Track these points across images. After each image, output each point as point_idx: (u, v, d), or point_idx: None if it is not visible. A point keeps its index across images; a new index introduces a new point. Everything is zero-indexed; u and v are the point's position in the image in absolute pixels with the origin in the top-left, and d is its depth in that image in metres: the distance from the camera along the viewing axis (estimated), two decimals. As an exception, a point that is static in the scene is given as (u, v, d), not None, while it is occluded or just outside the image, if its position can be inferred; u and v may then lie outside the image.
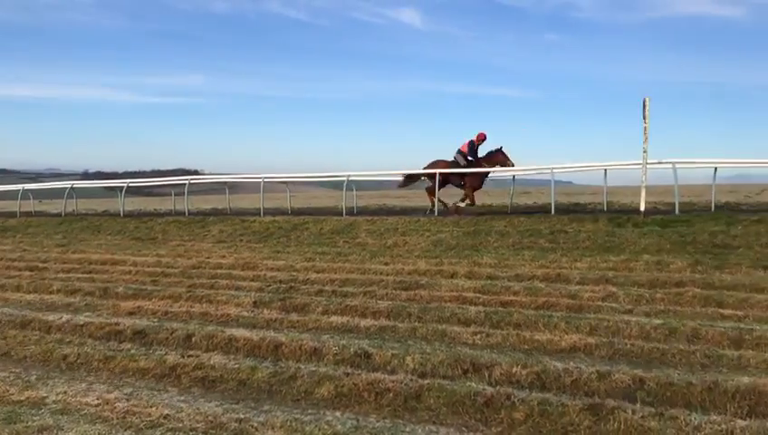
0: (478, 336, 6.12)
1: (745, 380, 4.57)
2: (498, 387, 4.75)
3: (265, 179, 18.07)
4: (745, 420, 3.98)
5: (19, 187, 22.95)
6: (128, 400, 4.92)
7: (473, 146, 15.23)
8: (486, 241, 11.48)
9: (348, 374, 5.16)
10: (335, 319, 6.97)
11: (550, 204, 14.38)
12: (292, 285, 8.73)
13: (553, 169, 14.64)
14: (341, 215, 15.65)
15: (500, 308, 7.08)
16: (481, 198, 20.83)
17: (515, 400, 4.44)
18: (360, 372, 5.23)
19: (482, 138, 15.29)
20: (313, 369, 5.37)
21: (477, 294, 7.72)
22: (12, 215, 20.85)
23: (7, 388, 5.33)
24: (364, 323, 6.78)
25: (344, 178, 16.61)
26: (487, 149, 15.31)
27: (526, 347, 5.80)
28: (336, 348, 5.81)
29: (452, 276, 8.77)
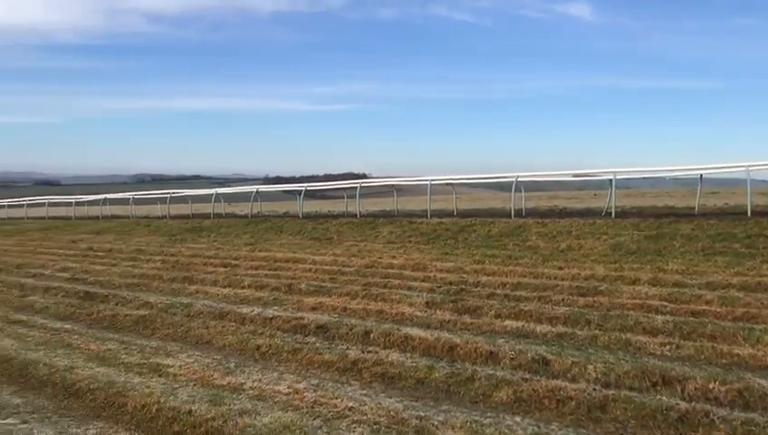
0: (667, 347, 5.71)
1: None
2: (694, 403, 4.40)
3: (432, 182, 18.31)
4: None
5: (212, 191, 25.41)
6: (315, 390, 5.23)
7: None
8: (671, 245, 10.66)
9: (526, 380, 5.08)
10: (509, 323, 6.87)
11: (745, 205, 13.02)
12: (463, 287, 8.74)
13: (749, 166, 13.23)
14: (510, 217, 15.40)
15: (690, 318, 6.54)
16: (662, 198, 19.43)
17: (715, 417, 4.09)
18: (538, 378, 5.12)
19: None
20: (490, 372, 5.35)
21: (663, 303, 7.20)
22: (206, 216, 23.12)
23: (211, 373, 5.92)
24: (540, 328, 6.61)
25: (512, 179, 16.33)
26: None
27: (724, 361, 5.30)
28: (512, 353, 5.73)
29: (634, 283, 8.26)
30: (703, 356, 5.45)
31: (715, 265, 8.92)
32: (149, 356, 6.64)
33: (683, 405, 4.35)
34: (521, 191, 17.05)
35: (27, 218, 31.40)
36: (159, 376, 5.91)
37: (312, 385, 5.40)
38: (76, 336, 7.82)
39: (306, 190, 21.86)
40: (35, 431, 4.78)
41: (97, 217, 28.47)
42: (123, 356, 6.70)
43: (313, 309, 8.13)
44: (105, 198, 30.08)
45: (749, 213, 12.54)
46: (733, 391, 4.56)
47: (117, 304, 9.47)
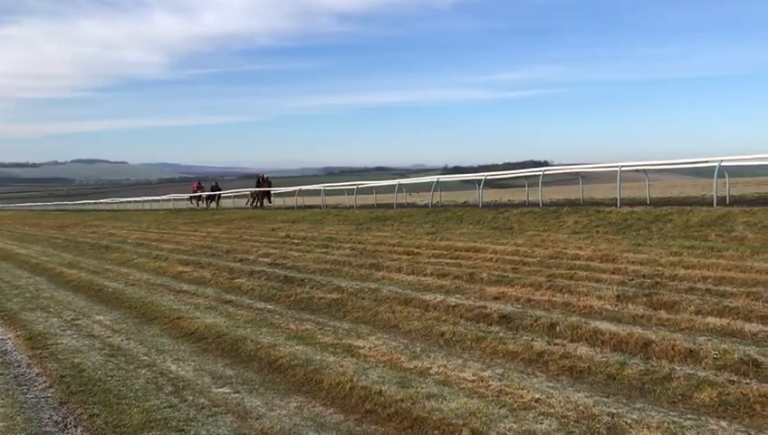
0: None
1: None
2: None
3: (622, 168, 17.27)
4: None
5: (394, 182, 26.30)
6: (500, 379, 5.26)
7: None
8: None
9: (732, 382, 4.67)
10: (711, 320, 6.32)
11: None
12: (658, 280, 8.19)
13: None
14: (711, 205, 14.06)
15: None
16: None
17: None
18: (747, 380, 4.69)
19: None
20: (690, 372, 5.00)
21: None
22: (389, 206, 23.98)
23: (398, 356, 6.19)
24: (749, 327, 6.00)
25: (715, 164, 14.87)
26: None
27: None
28: (716, 352, 5.29)
29: None
30: None
31: None
32: (342, 337, 7.10)
33: None
34: (724, 177, 15.48)
35: (233, 209, 34.99)
36: (351, 356, 6.31)
37: (497, 374, 5.43)
38: (277, 316, 8.58)
39: (486, 179, 21.78)
40: (245, 401, 5.35)
41: (292, 207, 30.86)
42: (319, 336, 7.24)
43: (496, 299, 8.13)
44: (299, 190, 32.45)
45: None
46: None
47: (312, 288, 10.22)
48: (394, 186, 25.79)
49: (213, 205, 40.27)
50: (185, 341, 7.82)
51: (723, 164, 14.81)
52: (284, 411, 5.04)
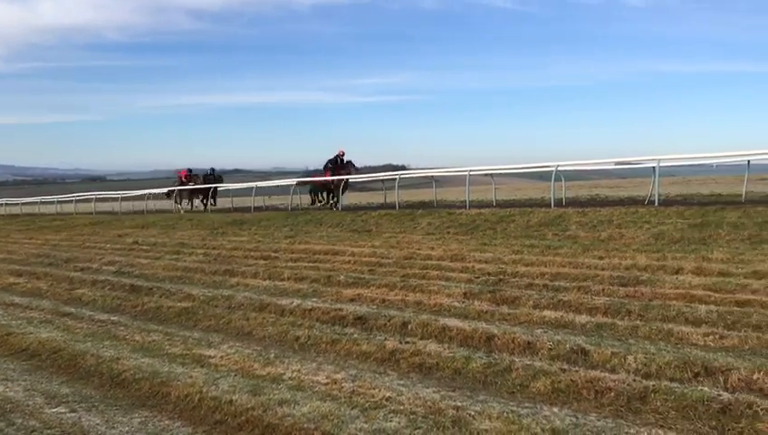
0: (710, 338, 5.60)
1: None
2: (737, 394, 4.33)
3: (471, 172, 18.21)
4: None
5: (252, 184, 25.78)
6: (353, 380, 5.31)
7: None
8: (717, 234, 10.39)
9: (564, 370, 5.05)
10: (548, 313, 6.83)
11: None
12: (501, 277, 8.70)
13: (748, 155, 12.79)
14: (549, 206, 15.23)
15: (735, 308, 6.39)
16: (708, 186, 18.94)
17: (758, 409, 4.02)
18: (577, 368, 5.10)
19: None
20: (528, 363, 5.34)
21: (708, 292, 7.05)
22: (247, 210, 23.48)
23: (251, 363, 6.05)
24: (579, 319, 6.55)
25: (552, 169, 16.12)
26: None
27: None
28: (550, 343, 5.71)
29: (677, 272, 8.09)
30: (747, 346, 5.33)
31: (762, 254, 8.67)
32: (192, 347, 6.81)
33: (725, 396, 4.28)
34: (561, 180, 16.83)
35: (76, 214, 32.38)
36: (202, 366, 6.07)
37: (351, 375, 5.47)
38: (122, 328, 8.07)
39: (345, 182, 21.97)
40: (83, 420, 4.97)
41: (141, 212, 29.21)
42: (167, 347, 6.89)
43: (352, 300, 8.21)
44: (149, 193, 30.81)
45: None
46: (780, 381, 4.46)
47: (161, 297, 9.73)
48: (252, 188, 25.30)
49: (196, 204, 28.68)
50: (15, 359, 7.12)
51: (559, 169, 16.08)
52: (127, 428, 4.74)
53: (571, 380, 4.81)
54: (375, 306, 7.80)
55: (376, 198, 22.45)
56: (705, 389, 4.47)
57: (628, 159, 16.87)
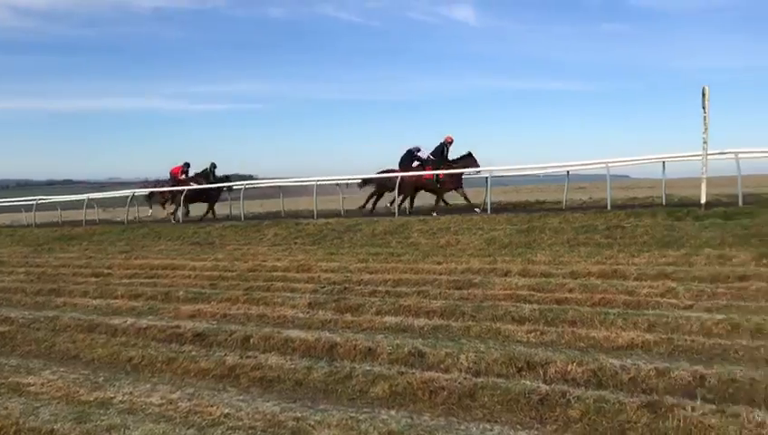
0: (533, 334, 6.07)
1: (814, 376, 4.40)
2: (553, 385, 4.72)
3: (318, 182, 18.31)
4: (815, 417, 3.83)
5: (84, 196, 23.87)
6: (190, 399, 5.10)
7: None
8: (541, 238, 11.32)
9: (402, 373, 5.21)
10: (389, 319, 7.03)
11: (605, 199, 14.08)
12: (347, 286, 8.83)
13: (608, 162, 14.33)
14: (394, 215, 15.73)
15: (555, 306, 6.99)
16: (534, 194, 20.58)
17: (571, 397, 4.40)
18: (414, 370, 5.28)
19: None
20: (368, 368, 5.45)
21: (532, 292, 7.64)
22: (78, 224, 21.75)
23: (77, 389, 5.60)
24: (418, 322, 6.81)
25: (398, 178, 16.68)
26: None
27: (582, 345, 5.71)
28: (390, 347, 5.87)
29: (506, 275, 8.70)
30: (563, 341, 5.84)
31: (578, 256, 9.58)
32: (8, 375, 6.16)
33: (544, 388, 4.65)
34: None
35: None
36: (19, 396, 5.51)
37: (187, 394, 5.25)
38: None
39: (187, 193, 21.09)
40: None
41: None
42: (-23, 378, 6.18)
43: (191, 317, 7.90)
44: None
45: (608, 206, 13.55)
46: (588, 371, 4.93)
47: (-28, 322, 8.70)
48: (83, 200, 23.45)
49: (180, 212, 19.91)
50: None
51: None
52: None
53: (408, 382, 4.98)
54: (216, 322, 7.56)
55: (220, 209, 21.81)
56: (527, 382, 4.83)
57: (465, 170, 17.82)
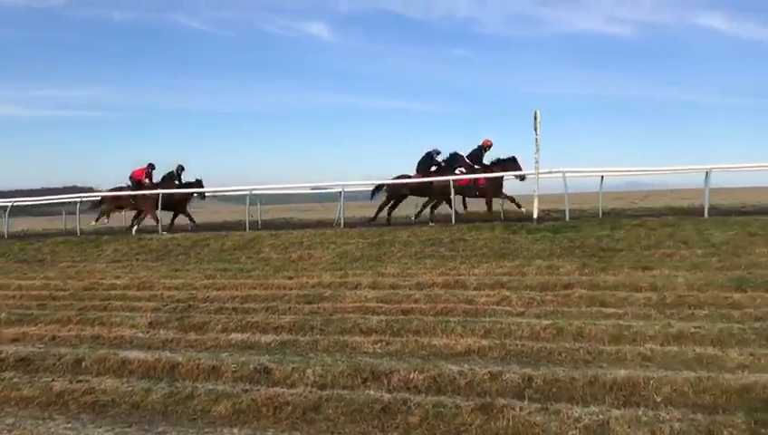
0: (378, 345, 6.22)
1: (622, 372, 4.91)
2: (395, 393, 4.86)
3: (163, 194, 17.45)
4: (620, 409, 4.28)
5: None
6: (9, 431, 4.64)
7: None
8: (390, 251, 11.64)
9: (246, 391, 5.11)
10: (235, 336, 6.86)
11: (450, 213, 14.77)
12: (191, 303, 8.50)
13: (452, 179, 15.09)
14: (244, 230, 15.42)
15: (401, 316, 7.22)
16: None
17: (411, 404, 4.56)
18: (259, 387, 5.19)
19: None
20: (211, 387, 5.28)
21: (380, 304, 7.83)
22: None
23: None
24: (265, 338, 6.72)
25: (247, 192, 16.38)
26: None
27: (424, 353, 5.95)
28: (235, 365, 5.73)
29: (356, 287, 8.84)
30: (407, 350, 6.05)
31: (424, 267, 9.97)
32: None
33: (386, 396, 4.77)
34: (257, 204, 17.18)
35: None
36: None
37: (7, 426, 4.77)
38: None
39: (14, 206, 19.25)
40: None
41: None
42: None
43: (14, 341, 7.20)
44: None
45: (453, 220, 14.26)
46: (429, 378, 5.14)
47: None
48: None
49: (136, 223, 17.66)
50: None
51: (254, 192, 16.43)
52: None
53: (252, 399, 4.88)
54: (43, 345, 6.95)
55: (54, 223, 20.12)
56: (371, 392, 4.94)
57: (320, 183, 17.91)
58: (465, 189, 15.27)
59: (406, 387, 5.05)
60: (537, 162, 13.16)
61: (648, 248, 10.29)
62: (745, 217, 12.51)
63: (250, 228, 15.59)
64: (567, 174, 14.17)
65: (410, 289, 8.57)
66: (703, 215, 12.82)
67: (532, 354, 5.72)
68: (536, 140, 13.01)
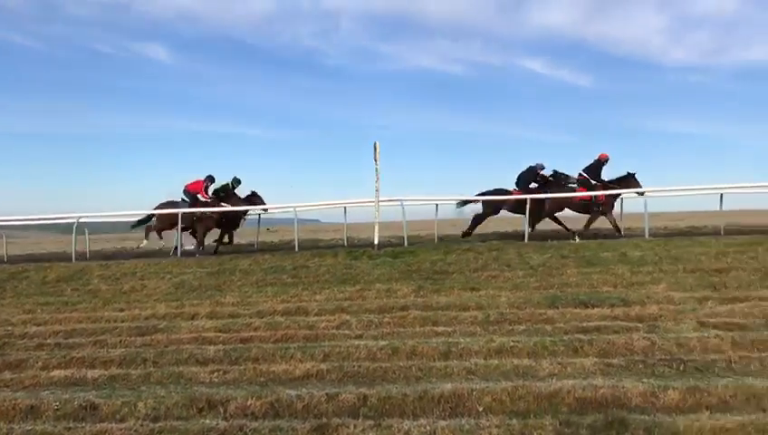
0: (216, 374, 6.12)
1: (449, 386, 5.27)
2: (232, 420, 4.83)
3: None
4: (446, 420, 4.61)
5: None
6: None
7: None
8: (231, 280, 11.43)
9: (69, 429, 4.82)
10: (57, 373, 6.40)
11: (293, 241, 14.85)
12: (7, 340, 7.79)
13: (296, 207, 15.21)
14: (71, 260, 14.34)
15: (239, 345, 7.15)
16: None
17: (248, 430, 4.57)
18: (84, 425, 4.92)
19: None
20: (29, 428, 4.91)
21: (218, 334, 7.69)
22: None
23: None
24: (92, 374, 6.34)
25: (74, 220, 15.27)
26: None
27: (262, 379, 5.95)
28: (57, 403, 5.36)
29: (193, 318, 8.59)
30: (245, 377, 6.02)
31: (265, 295, 9.92)
32: None
33: (223, 424, 4.73)
34: (84, 233, 16.04)
35: None
36: None
37: None
38: None
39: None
40: None
41: None
42: None
43: None
44: None
45: (296, 248, 14.35)
46: (266, 404, 5.16)
47: None
48: None
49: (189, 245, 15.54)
50: None
51: (81, 220, 15.35)
52: None
53: (73, 436, 4.61)
54: None
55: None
56: (207, 421, 4.86)
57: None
58: (587, 205, 14.58)
59: (243, 414, 5.03)
60: (377, 190, 13.69)
61: (476, 271, 11.05)
62: (560, 241, 13.87)
63: (77, 259, 14.53)
64: (405, 202, 14.85)
65: (250, 317, 8.49)
66: (524, 239, 14.03)
67: (368, 374, 5.94)
68: (376, 169, 13.55)
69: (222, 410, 5.10)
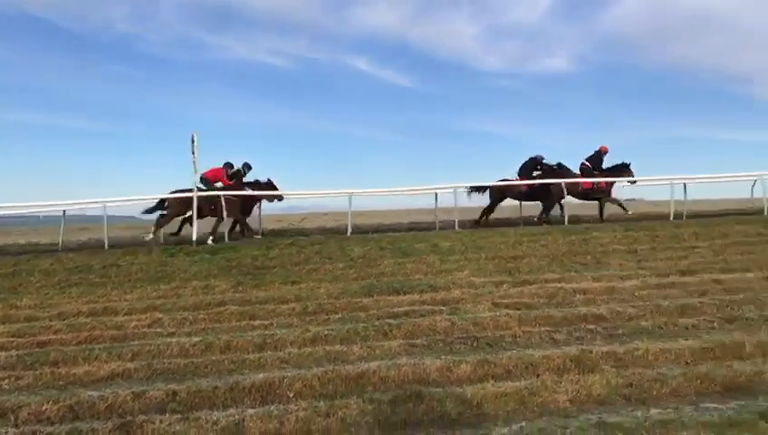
0: (6, 381, 5.62)
1: (261, 376, 5.34)
2: (24, 427, 4.51)
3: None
4: (256, 408, 4.68)
5: None
6: None
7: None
8: (28, 282, 10.47)
9: None
10: None
11: (103, 239, 13.94)
12: None
13: (106, 202, 14.28)
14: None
15: (36, 349, 6.62)
16: (29, 236, 18.82)
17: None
18: None
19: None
20: None
21: (11, 339, 7.06)
22: None
23: None
24: None
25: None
26: None
27: (61, 383, 5.57)
28: None
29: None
30: (41, 382, 5.59)
31: (69, 296, 9.24)
32: None
33: (13, 431, 4.39)
34: None
35: None
36: None
37: None
38: None
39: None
40: None
41: None
42: None
43: None
44: None
45: (106, 246, 13.48)
46: (64, 407, 4.85)
47: None
48: None
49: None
50: None
51: None
52: None
53: None
54: None
55: None
56: (-5, 431, 4.47)
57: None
58: (588, 192, 16.00)
59: (37, 420, 4.69)
60: (195, 184, 13.29)
61: (298, 265, 11.19)
62: (380, 234, 14.47)
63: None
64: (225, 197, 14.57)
65: (50, 320, 7.89)
66: (346, 233, 14.45)
67: (179, 370, 5.81)
68: (194, 162, 13.16)
69: (12, 418, 4.71)
